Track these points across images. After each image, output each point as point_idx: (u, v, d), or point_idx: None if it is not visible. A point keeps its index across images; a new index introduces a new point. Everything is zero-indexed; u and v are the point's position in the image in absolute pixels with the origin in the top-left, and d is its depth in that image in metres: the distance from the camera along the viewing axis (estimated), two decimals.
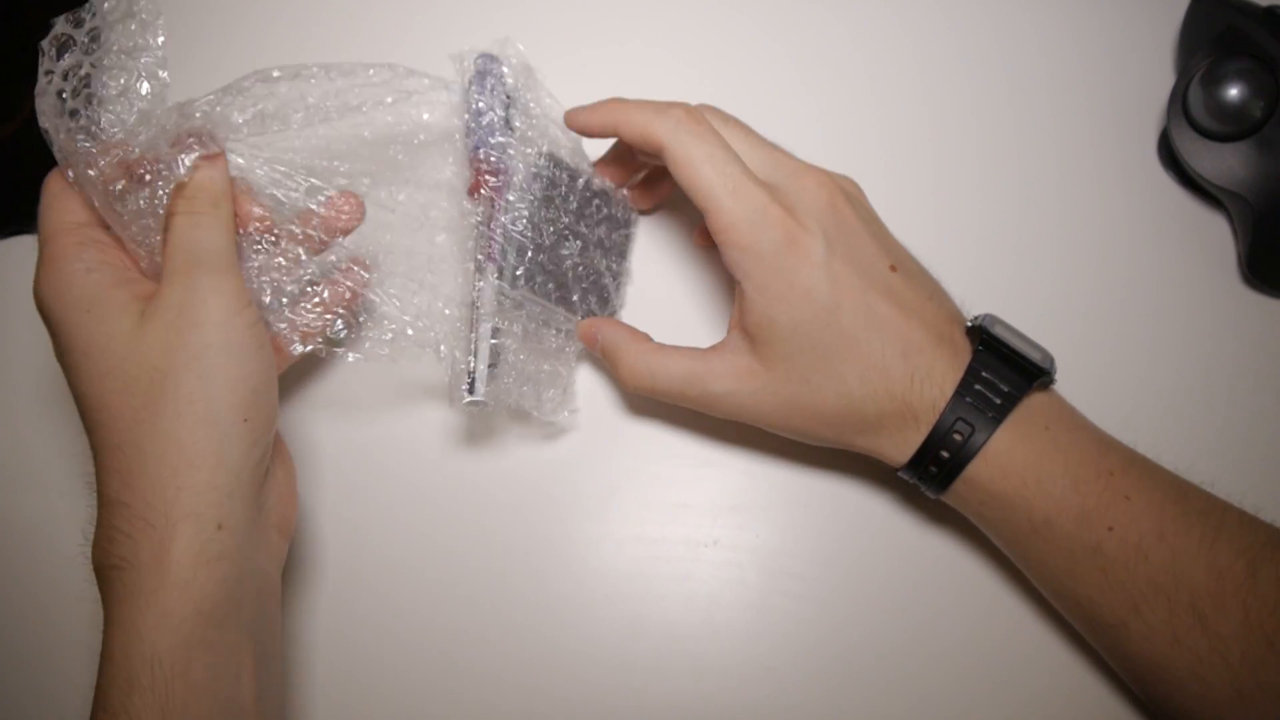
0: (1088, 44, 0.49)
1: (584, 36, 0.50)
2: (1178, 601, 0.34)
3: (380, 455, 0.44)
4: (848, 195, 0.38)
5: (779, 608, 0.42)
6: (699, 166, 0.36)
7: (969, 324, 0.38)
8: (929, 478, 0.37)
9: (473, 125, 0.40)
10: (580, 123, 0.40)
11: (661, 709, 0.40)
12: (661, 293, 0.46)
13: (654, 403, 0.43)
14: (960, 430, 0.36)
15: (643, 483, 0.43)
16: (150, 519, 0.31)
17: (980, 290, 0.40)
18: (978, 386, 0.36)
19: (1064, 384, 0.44)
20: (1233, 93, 0.43)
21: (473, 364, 0.39)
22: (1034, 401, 0.37)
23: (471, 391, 0.38)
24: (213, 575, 0.31)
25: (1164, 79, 0.47)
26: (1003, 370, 0.36)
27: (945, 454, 0.36)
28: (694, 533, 0.43)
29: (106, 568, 0.31)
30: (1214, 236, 0.46)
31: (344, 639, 0.42)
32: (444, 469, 0.44)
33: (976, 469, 0.36)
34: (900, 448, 0.37)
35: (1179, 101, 0.44)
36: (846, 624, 0.41)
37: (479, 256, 0.39)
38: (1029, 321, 0.44)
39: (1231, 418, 0.43)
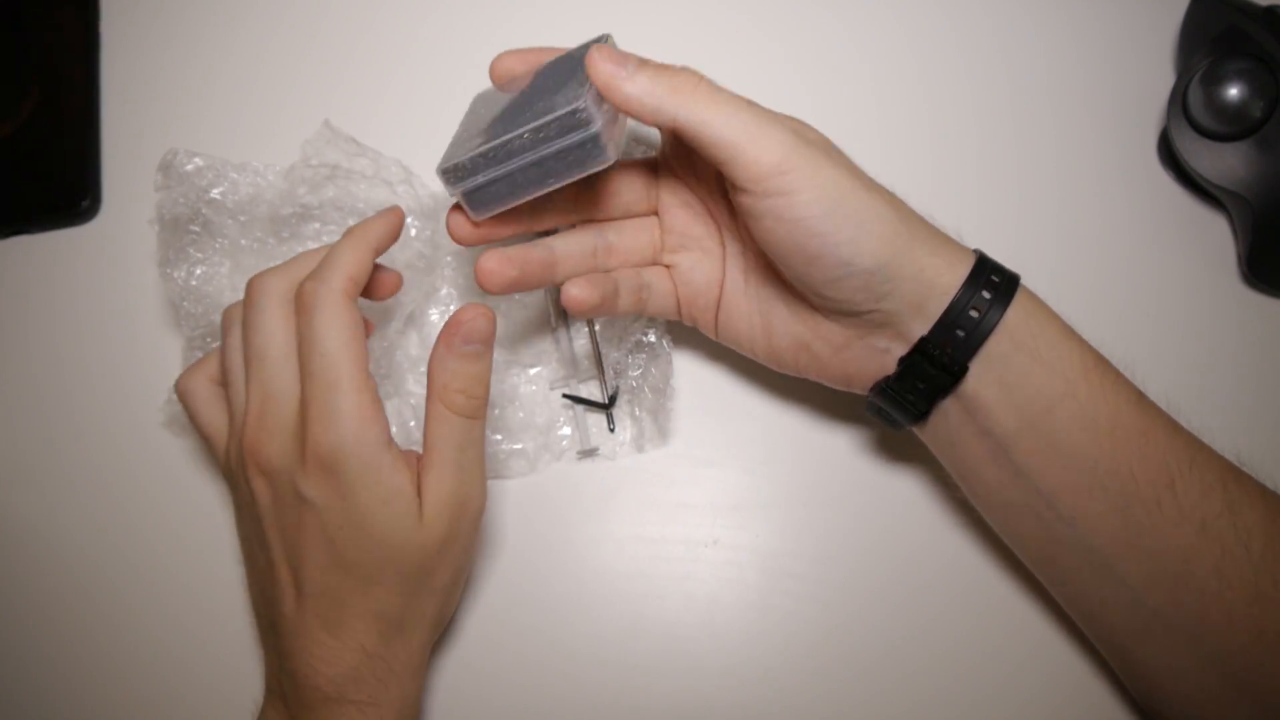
0: (1088, 44, 0.49)
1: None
2: (1210, 476, 0.33)
3: None
4: None
5: (779, 608, 0.42)
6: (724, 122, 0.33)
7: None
8: (970, 320, 0.34)
9: None
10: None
11: (661, 709, 0.41)
12: None
13: None
14: (977, 305, 0.34)
15: (643, 483, 0.43)
16: (397, 671, 0.36)
17: None
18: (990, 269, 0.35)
19: None
20: (1233, 93, 0.43)
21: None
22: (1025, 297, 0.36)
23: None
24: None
25: (1164, 79, 0.47)
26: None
27: (987, 291, 0.34)
28: (694, 533, 0.43)
29: (346, 701, 0.35)
30: (1214, 236, 0.46)
31: None
32: None
33: (1014, 315, 0.35)
34: (954, 268, 0.35)
35: (1179, 101, 0.44)
36: (846, 624, 0.41)
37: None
38: None
39: (1232, 418, 0.43)
